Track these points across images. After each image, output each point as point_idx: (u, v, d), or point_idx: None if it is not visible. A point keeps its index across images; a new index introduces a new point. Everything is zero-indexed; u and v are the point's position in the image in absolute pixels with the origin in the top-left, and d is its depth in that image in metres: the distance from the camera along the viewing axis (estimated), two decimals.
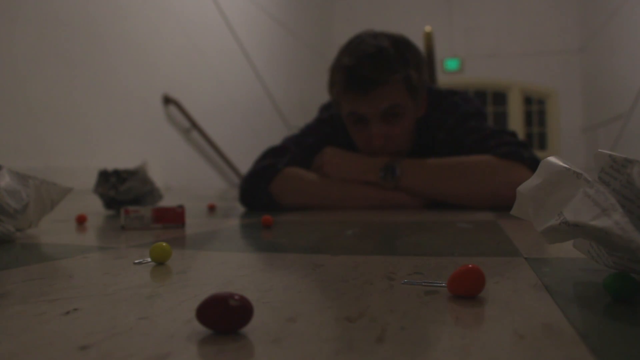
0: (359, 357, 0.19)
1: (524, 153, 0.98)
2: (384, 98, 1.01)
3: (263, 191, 1.05)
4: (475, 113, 1.12)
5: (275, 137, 5.06)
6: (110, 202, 0.97)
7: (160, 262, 0.40)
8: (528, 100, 5.76)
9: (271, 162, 1.09)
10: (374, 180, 1.03)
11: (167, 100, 3.14)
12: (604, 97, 4.62)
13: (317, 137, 1.16)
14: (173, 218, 0.70)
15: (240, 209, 1.09)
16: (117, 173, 0.99)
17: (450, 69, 5.66)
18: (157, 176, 1.62)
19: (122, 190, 0.96)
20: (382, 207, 1.02)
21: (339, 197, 1.05)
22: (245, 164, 4.00)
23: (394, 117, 1.04)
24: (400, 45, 1.04)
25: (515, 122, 5.61)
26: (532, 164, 0.95)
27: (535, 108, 5.77)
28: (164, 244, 0.40)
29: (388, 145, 1.05)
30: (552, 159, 0.31)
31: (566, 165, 0.30)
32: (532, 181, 0.32)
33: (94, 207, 1.06)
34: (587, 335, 0.22)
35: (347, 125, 1.11)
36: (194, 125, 3.34)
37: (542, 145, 5.69)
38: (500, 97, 5.75)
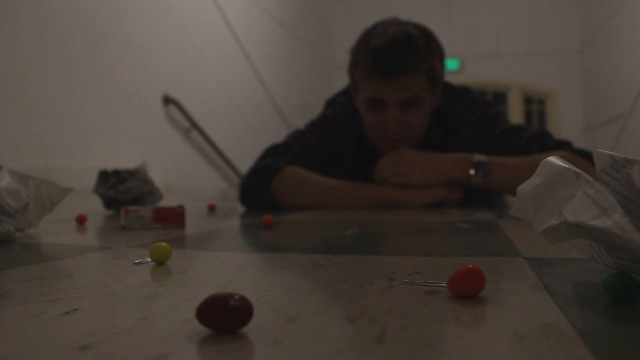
0: (359, 357, 0.19)
1: (584, 150, 1.03)
2: (408, 86, 1.01)
3: (264, 190, 1.04)
4: (499, 111, 1.16)
5: (275, 137, 5.04)
6: (110, 202, 0.97)
7: (160, 262, 0.40)
8: (528, 100, 5.77)
9: (272, 161, 1.08)
10: (461, 177, 1.01)
11: (167, 100, 3.14)
12: (604, 97, 4.62)
13: (321, 136, 1.14)
14: (173, 218, 0.70)
15: (240, 208, 1.09)
16: (117, 173, 0.99)
17: (450, 69, 5.66)
18: (157, 176, 1.62)
19: (122, 190, 0.96)
20: (382, 206, 1.02)
21: (339, 196, 1.04)
22: (245, 164, 4.00)
23: (411, 106, 1.04)
24: (427, 34, 1.04)
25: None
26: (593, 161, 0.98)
27: (535, 108, 5.77)
28: (164, 244, 0.40)
29: (403, 133, 1.05)
30: (552, 159, 0.31)
31: (566, 165, 0.30)
32: (532, 181, 0.32)
33: (94, 207, 1.06)
34: (587, 335, 0.22)
35: (360, 108, 1.09)
36: (194, 125, 3.34)
37: None
38: (500, 97, 5.75)
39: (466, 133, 1.12)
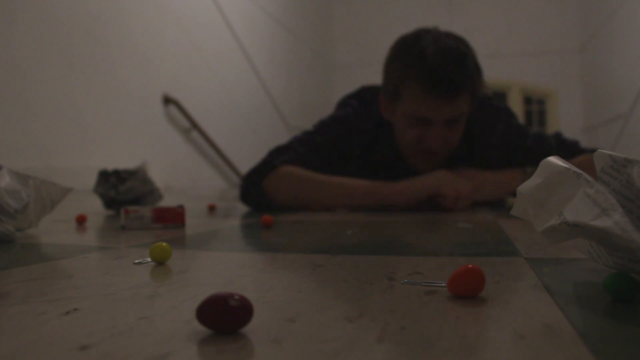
0: (359, 357, 0.19)
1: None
2: (458, 106, 0.98)
3: (257, 188, 1.04)
4: (518, 120, 1.16)
5: (275, 137, 5.06)
6: (110, 202, 0.97)
7: (160, 262, 0.40)
8: (528, 100, 5.76)
9: (269, 159, 1.07)
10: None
11: (167, 100, 3.14)
12: (604, 97, 4.62)
13: (327, 137, 1.11)
14: (173, 218, 0.70)
15: (240, 208, 1.09)
16: (117, 173, 0.99)
17: None
18: (157, 176, 1.62)
19: (122, 190, 0.96)
20: (376, 207, 1.00)
21: (333, 195, 1.01)
22: (245, 164, 4.00)
23: (453, 123, 1.01)
24: (472, 50, 1.01)
25: None
26: None
27: (535, 108, 5.77)
28: (164, 244, 0.40)
29: (442, 148, 1.03)
30: (552, 159, 0.31)
31: (566, 166, 0.30)
32: (533, 181, 0.32)
33: (94, 207, 1.06)
34: (587, 335, 0.22)
35: (397, 120, 1.05)
36: (194, 125, 3.34)
37: None
38: (500, 97, 5.75)
39: (494, 142, 1.10)
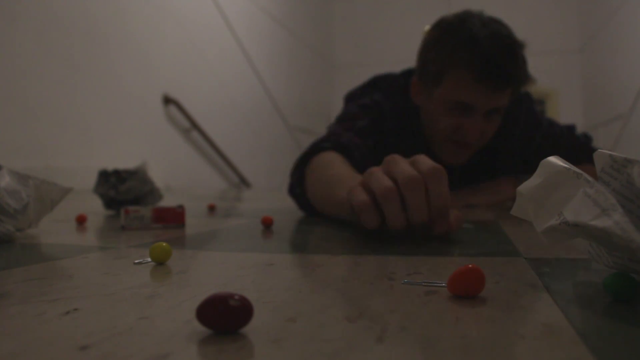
0: (359, 357, 0.19)
1: None
2: (503, 97, 0.93)
3: (300, 185, 0.86)
4: (536, 106, 1.12)
5: (275, 137, 5.05)
6: (110, 202, 0.97)
7: (160, 262, 0.40)
8: None
9: (318, 140, 0.88)
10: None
11: (167, 100, 3.14)
12: (604, 97, 4.62)
13: (366, 121, 0.97)
14: (173, 218, 0.70)
15: (240, 208, 1.08)
16: (117, 173, 0.99)
17: None
18: (157, 176, 1.62)
19: (122, 190, 0.96)
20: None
21: (322, 200, 0.76)
22: (245, 164, 4.01)
23: (492, 115, 0.96)
24: (521, 41, 0.94)
25: None
26: None
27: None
28: (164, 244, 0.40)
29: (478, 141, 0.98)
30: (552, 159, 0.31)
31: (566, 165, 0.30)
32: (532, 181, 0.32)
33: (94, 207, 1.06)
34: (587, 335, 0.22)
35: (434, 104, 0.97)
36: (194, 125, 3.34)
37: None
38: None
39: (519, 134, 1.06)
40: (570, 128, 1.14)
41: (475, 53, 0.89)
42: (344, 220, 0.70)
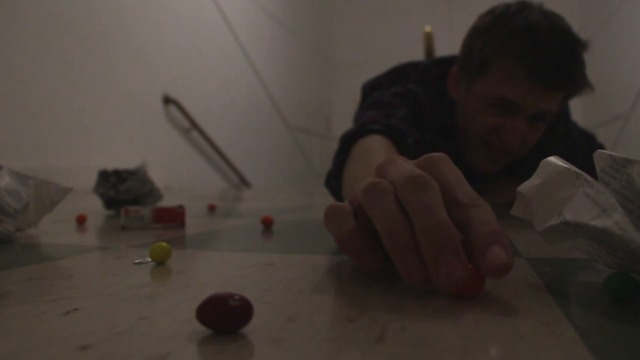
0: (359, 357, 0.19)
1: None
2: (553, 100, 0.82)
3: (336, 169, 0.75)
4: (569, 108, 1.04)
5: (275, 137, 5.05)
6: (110, 202, 0.97)
7: (160, 262, 0.40)
8: None
9: (372, 119, 0.76)
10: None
11: (167, 100, 3.14)
12: (604, 97, 4.62)
13: (407, 110, 0.85)
14: (173, 218, 0.70)
15: (240, 208, 1.08)
16: (117, 173, 0.99)
17: None
18: (157, 176, 1.62)
19: (122, 190, 0.96)
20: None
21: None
22: (245, 164, 4.01)
23: (538, 121, 0.84)
24: (583, 42, 0.83)
25: None
26: None
27: None
28: (164, 244, 0.40)
29: (518, 148, 0.87)
30: (552, 159, 0.31)
31: (566, 165, 0.30)
32: (532, 181, 0.32)
33: (94, 207, 1.06)
34: (587, 335, 0.22)
35: (474, 98, 0.85)
36: (194, 125, 3.34)
37: None
38: None
39: (556, 147, 0.96)
40: (591, 138, 1.09)
41: (531, 43, 0.78)
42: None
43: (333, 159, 0.78)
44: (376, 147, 0.67)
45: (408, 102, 0.87)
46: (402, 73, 0.97)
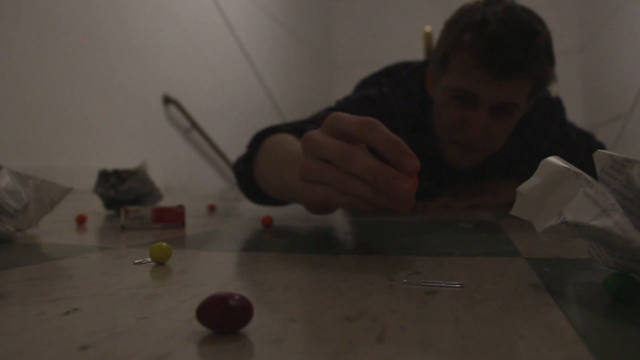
0: (359, 357, 0.19)
1: None
2: (512, 90, 0.83)
3: (247, 170, 0.76)
4: (564, 108, 1.04)
5: None
6: (110, 202, 0.97)
7: (160, 262, 0.40)
8: None
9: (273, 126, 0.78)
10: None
11: (167, 100, 3.14)
12: (604, 97, 4.62)
13: (367, 114, 0.87)
14: (173, 218, 0.70)
15: (240, 208, 1.08)
16: (117, 173, 0.99)
17: None
18: (157, 176, 1.62)
19: (122, 190, 0.96)
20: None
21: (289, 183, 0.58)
22: None
23: (502, 114, 0.86)
24: (549, 35, 0.84)
25: None
26: None
27: None
28: (164, 244, 0.40)
29: (480, 142, 0.88)
30: (552, 159, 0.31)
31: (566, 165, 0.30)
32: (532, 181, 0.32)
33: (94, 207, 1.06)
34: (587, 335, 0.22)
35: (439, 94, 0.89)
36: (194, 125, 3.34)
37: None
38: None
39: (548, 149, 0.96)
40: (590, 138, 1.09)
41: (481, 34, 0.80)
42: (324, 217, 0.67)
43: (246, 148, 0.79)
44: (288, 139, 0.69)
45: (373, 106, 0.90)
46: (393, 72, 1.00)
